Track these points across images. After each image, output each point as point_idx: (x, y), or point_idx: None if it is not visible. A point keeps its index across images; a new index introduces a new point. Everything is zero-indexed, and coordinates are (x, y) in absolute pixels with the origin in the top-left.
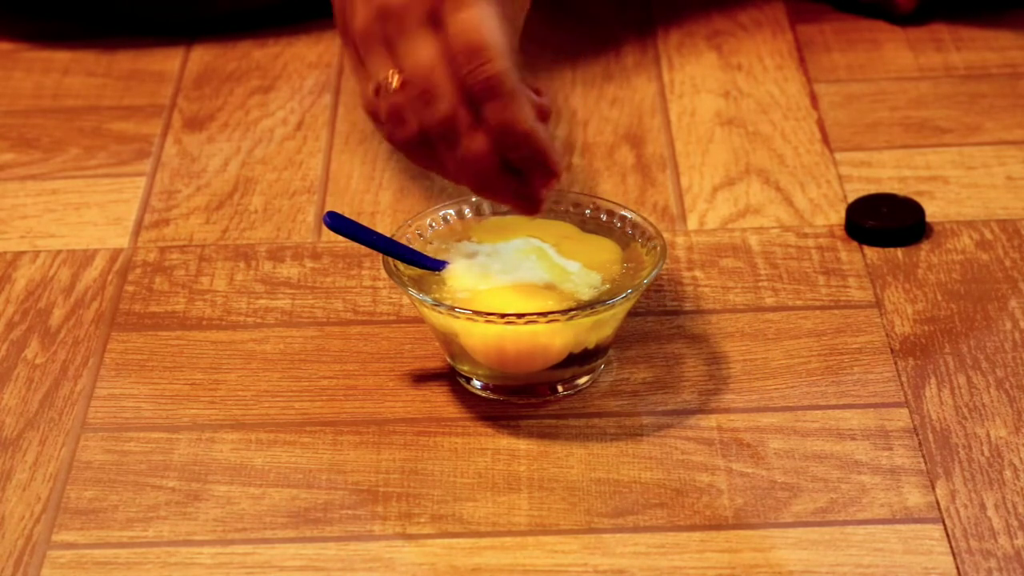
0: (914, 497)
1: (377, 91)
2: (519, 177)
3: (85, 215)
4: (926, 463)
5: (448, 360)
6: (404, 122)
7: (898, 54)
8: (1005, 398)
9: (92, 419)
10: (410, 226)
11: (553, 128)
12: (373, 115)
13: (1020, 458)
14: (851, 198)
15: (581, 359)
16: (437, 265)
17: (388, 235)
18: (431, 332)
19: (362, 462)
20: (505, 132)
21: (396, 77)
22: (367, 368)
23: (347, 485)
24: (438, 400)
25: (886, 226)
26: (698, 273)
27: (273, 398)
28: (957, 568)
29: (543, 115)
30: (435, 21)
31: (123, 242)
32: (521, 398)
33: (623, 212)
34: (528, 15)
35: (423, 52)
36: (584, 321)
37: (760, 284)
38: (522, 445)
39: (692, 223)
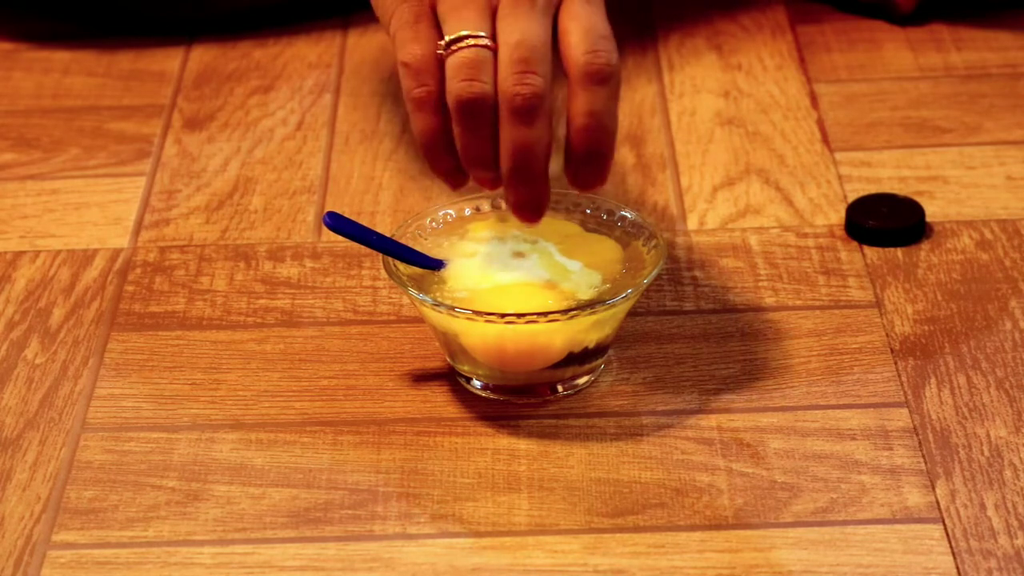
0: (914, 497)
1: (450, 43)
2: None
3: (85, 215)
4: (926, 463)
5: (448, 360)
6: (477, 79)
7: (898, 54)
8: (1005, 398)
9: (92, 419)
10: (410, 226)
11: (554, 129)
12: (417, 67)
13: (1020, 458)
14: (851, 198)
15: (581, 359)
16: (437, 265)
17: (388, 235)
18: (431, 332)
19: (362, 462)
20: (598, 119)
21: (484, 37)
22: (367, 368)
23: (347, 485)
24: (438, 400)
25: (886, 226)
26: (698, 273)
27: (273, 398)
28: (957, 568)
29: None
30: (555, 8)
31: (123, 242)
32: (521, 398)
33: (623, 212)
34: None
35: (538, 27)
36: (584, 321)
37: (760, 284)
38: (522, 445)
39: (692, 223)
